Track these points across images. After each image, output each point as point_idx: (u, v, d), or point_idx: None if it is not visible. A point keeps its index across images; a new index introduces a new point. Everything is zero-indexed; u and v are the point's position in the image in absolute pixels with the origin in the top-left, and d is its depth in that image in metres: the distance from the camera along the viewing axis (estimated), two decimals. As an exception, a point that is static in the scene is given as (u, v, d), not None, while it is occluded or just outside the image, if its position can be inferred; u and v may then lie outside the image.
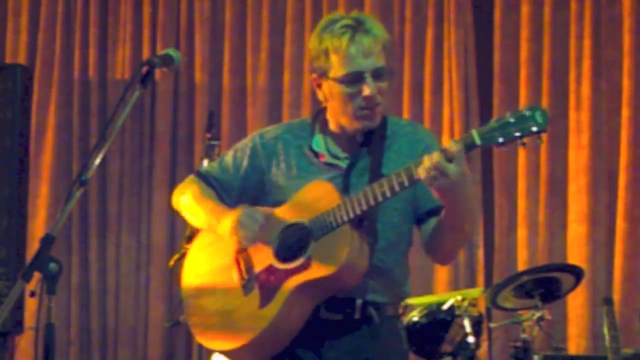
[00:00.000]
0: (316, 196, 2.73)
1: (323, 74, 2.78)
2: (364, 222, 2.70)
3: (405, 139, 2.83)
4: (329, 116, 2.86)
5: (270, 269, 2.75)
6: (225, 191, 2.93)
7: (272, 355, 2.78)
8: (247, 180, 2.91)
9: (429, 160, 2.49)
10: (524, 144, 2.47)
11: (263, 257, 2.77)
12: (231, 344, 2.78)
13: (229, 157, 2.95)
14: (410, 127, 2.89)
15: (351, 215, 2.65)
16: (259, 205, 2.86)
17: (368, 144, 2.81)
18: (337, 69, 2.74)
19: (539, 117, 2.43)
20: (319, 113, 2.91)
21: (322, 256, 2.67)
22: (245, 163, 2.91)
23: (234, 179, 2.92)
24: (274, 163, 2.88)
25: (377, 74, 2.73)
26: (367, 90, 2.71)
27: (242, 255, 2.81)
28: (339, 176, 2.79)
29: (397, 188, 2.59)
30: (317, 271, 2.66)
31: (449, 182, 2.49)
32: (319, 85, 2.82)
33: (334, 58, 2.73)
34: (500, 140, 2.45)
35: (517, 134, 2.44)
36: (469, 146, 2.50)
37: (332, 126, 2.85)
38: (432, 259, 2.89)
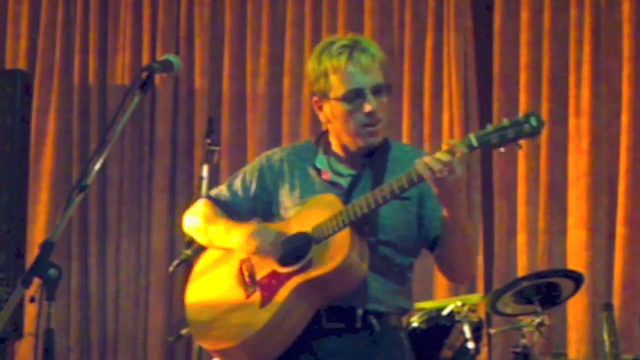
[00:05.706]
0: (320, 208, 2.77)
1: (324, 96, 2.85)
2: (365, 227, 2.73)
3: (409, 165, 2.83)
4: (332, 138, 2.92)
5: (272, 274, 2.79)
6: (235, 214, 2.99)
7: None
8: (256, 202, 2.98)
9: (436, 159, 2.56)
10: (519, 146, 2.59)
11: (266, 266, 2.81)
12: (228, 343, 2.80)
13: (238, 180, 3.02)
14: (413, 154, 2.91)
15: (352, 218, 2.69)
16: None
17: (371, 165, 2.86)
18: (337, 89, 2.80)
19: (533, 121, 2.56)
20: (322, 135, 2.98)
21: (322, 256, 2.71)
22: (254, 186, 2.98)
23: (244, 201, 2.99)
24: (280, 184, 2.94)
25: (377, 91, 2.79)
26: (368, 107, 2.78)
27: (246, 265, 2.86)
28: (341, 195, 2.83)
29: (397, 191, 2.67)
30: (317, 270, 2.70)
31: (454, 180, 2.57)
32: (321, 108, 2.89)
33: (333, 78, 2.80)
34: (496, 141, 2.57)
35: (512, 136, 2.56)
36: (468, 148, 2.60)
37: (335, 148, 2.91)
38: (452, 280, 3.01)
